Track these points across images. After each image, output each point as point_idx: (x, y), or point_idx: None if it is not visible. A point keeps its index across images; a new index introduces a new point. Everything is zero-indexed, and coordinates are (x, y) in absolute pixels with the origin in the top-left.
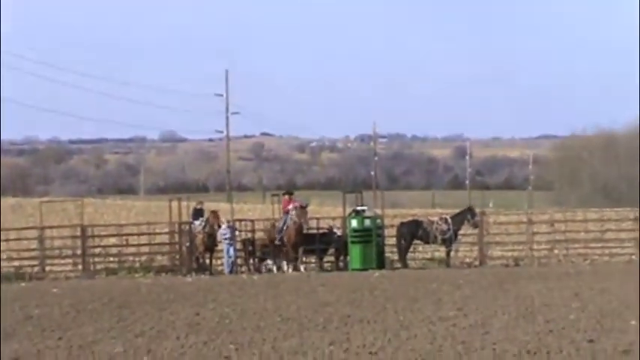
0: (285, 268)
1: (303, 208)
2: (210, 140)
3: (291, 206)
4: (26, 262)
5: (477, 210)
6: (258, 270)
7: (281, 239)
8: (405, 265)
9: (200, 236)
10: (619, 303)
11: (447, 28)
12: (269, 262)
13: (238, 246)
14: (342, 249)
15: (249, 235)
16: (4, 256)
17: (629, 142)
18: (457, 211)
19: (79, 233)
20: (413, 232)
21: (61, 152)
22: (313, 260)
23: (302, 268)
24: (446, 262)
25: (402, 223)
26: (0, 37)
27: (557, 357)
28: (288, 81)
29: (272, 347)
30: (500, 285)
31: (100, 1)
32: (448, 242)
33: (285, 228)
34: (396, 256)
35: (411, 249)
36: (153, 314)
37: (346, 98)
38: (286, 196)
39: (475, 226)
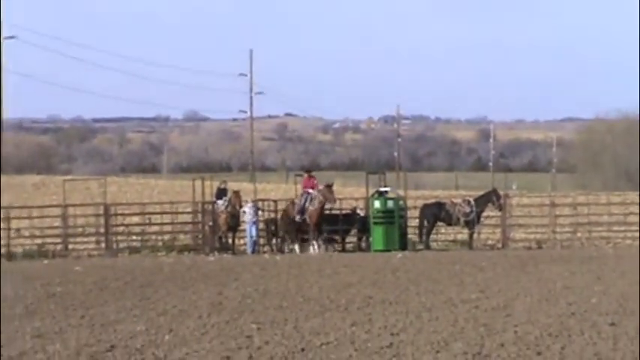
0: (297, 249)
1: (329, 187)
2: (234, 120)
3: (315, 189)
4: (49, 240)
5: (501, 192)
6: (280, 250)
7: (302, 219)
8: (428, 247)
9: (223, 216)
10: None
11: (470, 13)
12: (276, 241)
13: (261, 226)
14: (364, 230)
15: (272, 215)
16: (27, 233)
17: None
18: (481, 193)
19: (102, 212)
20: (436, 214)
21: (84, 131)
22: (336, 240)
23: (320, 248)
24: (469, 244)
25: (425, 205)
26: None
27: (578, 340)
28: (312, 62)
29: (294, 327)
30: (522, 267)
31: None
32: (471, 224)
33: (306, 207)
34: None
35: (434, 231)
36: (175, 293)
37: (370, 79)
38: (306, 175)
39: (500, 208)
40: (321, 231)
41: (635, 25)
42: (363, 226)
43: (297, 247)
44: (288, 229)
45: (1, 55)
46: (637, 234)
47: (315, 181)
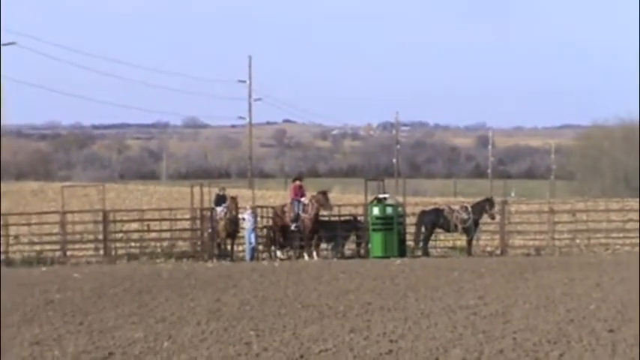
0: (281, 255)
1: (324, 194)
2: (233, 126)
3: (304, 197)
4: (47, 247)
5: (499, 199)
6: (276, 257)
7: (297, 227)
8: (427, 254)
9: (222, 222)
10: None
11: (470, 20)
12: (272, 248)
13: (260, 232)
14: (363, 236)
15: (270, 221)
16: (25, 240)
17: None
18: (478, 199)
19: (100, 218)
20: (434, 220)
21: (83, 137)
22: (328, 248)
23: (315, 256)
24: (467, 250)
25: (424, 212)
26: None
27: (577, 346)
28: (310, 68)
29: (292, 334)
30: (521, 274)
31: None
32: (468, 231)
33: (301, 215)
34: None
35: (432, 237)
36: (174, 300)
37: (369, 86)
38: (296, 182)
39: (492, 217)
40: (319, 238)
41: (633, 33)
42: (362, 232)
43: (279, 253)
44: (275, 235)
45: (0, 62)
46: (636, 240)
47: (304, 190)
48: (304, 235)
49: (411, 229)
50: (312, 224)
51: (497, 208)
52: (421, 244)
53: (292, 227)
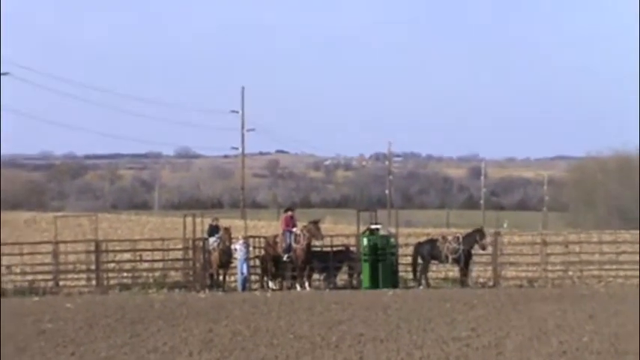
0: (273, 286)
1: (316, 224)
2: (226, 157)
3: (295, 227)
4: (40, 277)
5: (492, 230)
6: (268, 287)
7: (289, 257)
8: (428, 284)
9: (215, 253)
10: (633, 326)
11: (460, 50)
12: (265, 278)
13: (253, 263)
14: (355, 267)
15: (263, 252)
16: (18, 270)
17: None
18: (469, 231)
19: (93, 248)
20: (430, 251)
21: (76, 167)
22: (321, 278)
23: (307, 286)
24: (461, 281)
25: (419, 243)
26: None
27: None
28: (303, 99)
29: None
30: (513, 306)
31: (117, 17)
32: (458, 261)
33: (293, 246)
34: (409, 275)
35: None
36: (166, 330)
37: (361, 117)
38: (288, 213)
39: (483, 247)
40: (312, 268)
41: (630, 64)
42: (354, 263)
43: (271, 283)
44: (267, 265)
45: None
46: (629, 273)
47: (295, 220)
48: (296, 266)
49: (402, 260)
50: (305, 254)
51: (488, 239)
52: (418, 274)
53: (284, 258)
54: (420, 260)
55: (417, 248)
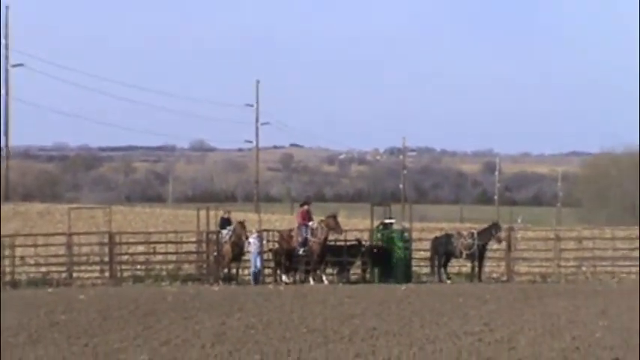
0: (286, 279)
1: (334, 218)
2: (240, 150)
3: (311, 221)
4: (54, 268)
5: (505, 225)
6: (282, 281)
7: (305, 251)
8: (449, 278)
9: (227, 246)
10: None
11: (476, 45)
12: (278, 271)
13: (266, 257)
14: (369, 261)
15: (277, 245)
16: (32, 261)
17: None
18: (485, 226)
19: (106, 240)
20: (446, 246)
21: (90, 159)
22: (334, 272)
23: (325, 280)
24: (477, 276)
25: (436, 238)
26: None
27: None
28: (318, 93)
29: (297, 358)
30: (526, 301)
31: (134, 11)
32: (472, 257)
33: (309, 240)
34: (423, 270)
35: (436, 263)
36: (179, 323)
37: (376, 111)
38: (304, 207)
39: (499, 240)
40: (325, 262)
41: None
42: (368, 257)
43: (284, 277)
44: (281, 259)
45: (9, 83)
46: None
47: (311, 214)
48: (312, 260)
49: (416, 255)
50: (321, 248)
51: (503, 233)
52: (435, 269)
53: (300, 252)
54: (436, 256)
55: (434, 243)
